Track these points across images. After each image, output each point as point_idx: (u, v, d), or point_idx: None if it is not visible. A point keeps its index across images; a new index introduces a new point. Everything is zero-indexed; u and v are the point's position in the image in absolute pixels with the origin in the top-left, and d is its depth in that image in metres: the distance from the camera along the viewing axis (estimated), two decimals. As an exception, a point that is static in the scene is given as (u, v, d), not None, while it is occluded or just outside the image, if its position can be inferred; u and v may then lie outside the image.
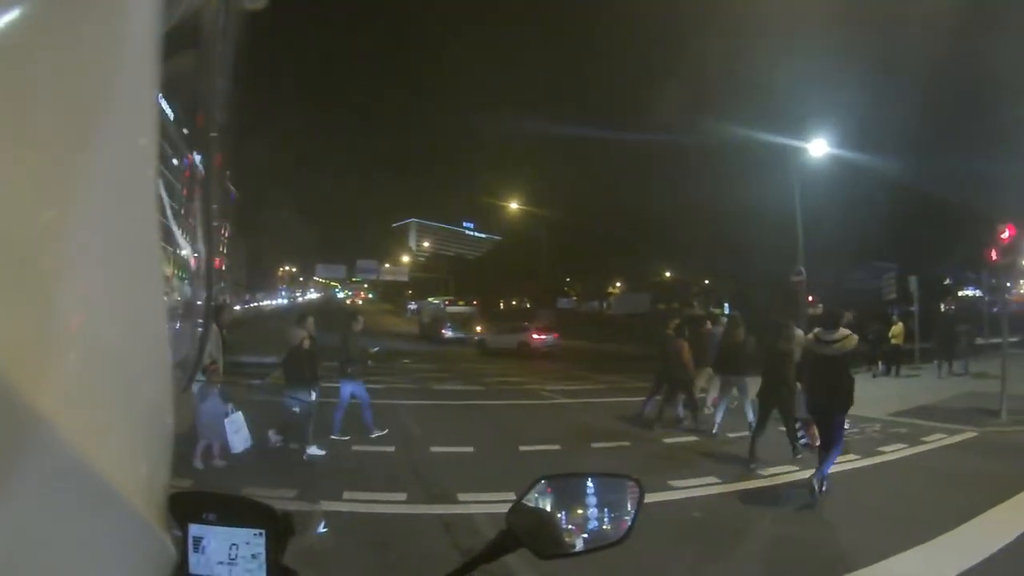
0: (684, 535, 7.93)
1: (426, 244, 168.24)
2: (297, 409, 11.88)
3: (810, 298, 28.39)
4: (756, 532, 8.22)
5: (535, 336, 42.44)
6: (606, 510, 1.82)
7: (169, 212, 1.39)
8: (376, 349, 17.33)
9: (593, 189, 78.24)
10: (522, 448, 12.28)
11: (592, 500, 1.84)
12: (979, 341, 27.56)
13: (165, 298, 1.02)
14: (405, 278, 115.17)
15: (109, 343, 0.83)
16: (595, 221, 72.97)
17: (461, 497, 8.96)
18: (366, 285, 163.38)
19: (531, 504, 1.80)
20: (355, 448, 12.21)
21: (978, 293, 47.58)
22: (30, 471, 0.66)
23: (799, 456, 11.41)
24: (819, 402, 10.20)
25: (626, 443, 13.03)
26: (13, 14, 0.68)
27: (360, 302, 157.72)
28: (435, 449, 12.13)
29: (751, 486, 10.17)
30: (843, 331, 10.11)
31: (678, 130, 59.92)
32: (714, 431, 14.10)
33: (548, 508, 1.80)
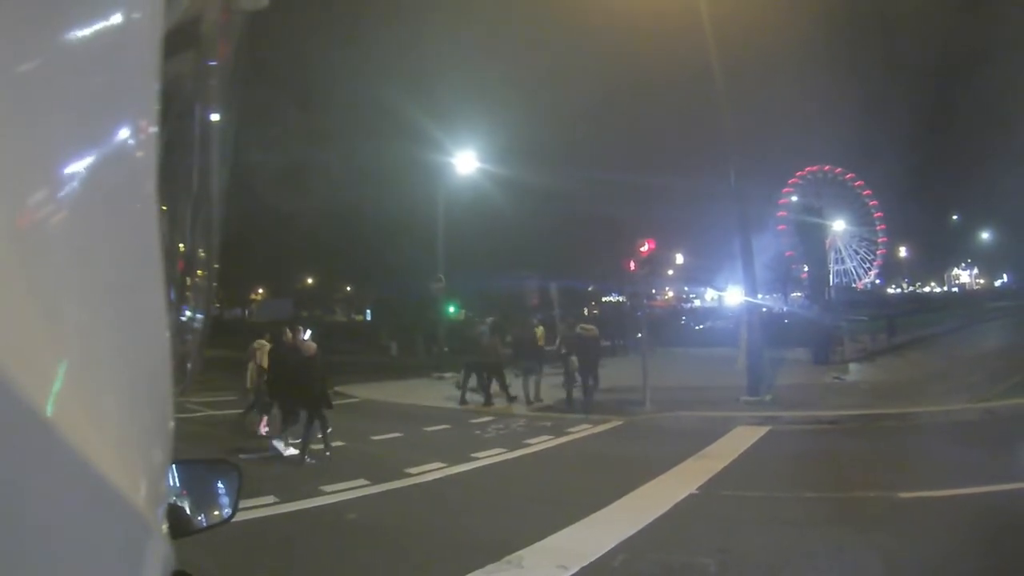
0: (342, 537, 7.94)
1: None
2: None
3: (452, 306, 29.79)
4: (414, 527, 8.32)
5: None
6: (217, 493, 2.06)
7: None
8: None
9: (236, 188, 75.75)
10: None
11: (202, 484, 2.05)
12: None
13: (165, 298, 1.01)
14: None
15: (109, 343, 0.83)
16: (240, 223, 70.76)
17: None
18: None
19: None
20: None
21: (621, 299, 51.43)
22: (29, 471, 0.66)
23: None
24: (587, 359, 17.48)
25: (266, 454, 12.78)
26: (11, 15, 0.68)
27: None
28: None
29: (401, 485, 10.31)
30: (591, 326, 18.61)
31: (320, 138, 59.64)
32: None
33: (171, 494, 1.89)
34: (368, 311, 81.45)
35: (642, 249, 18.19)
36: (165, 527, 1.01)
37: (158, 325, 0.98)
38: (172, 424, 1.06)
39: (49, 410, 0.67)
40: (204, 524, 1.98)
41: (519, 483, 10.66)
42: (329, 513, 8.79)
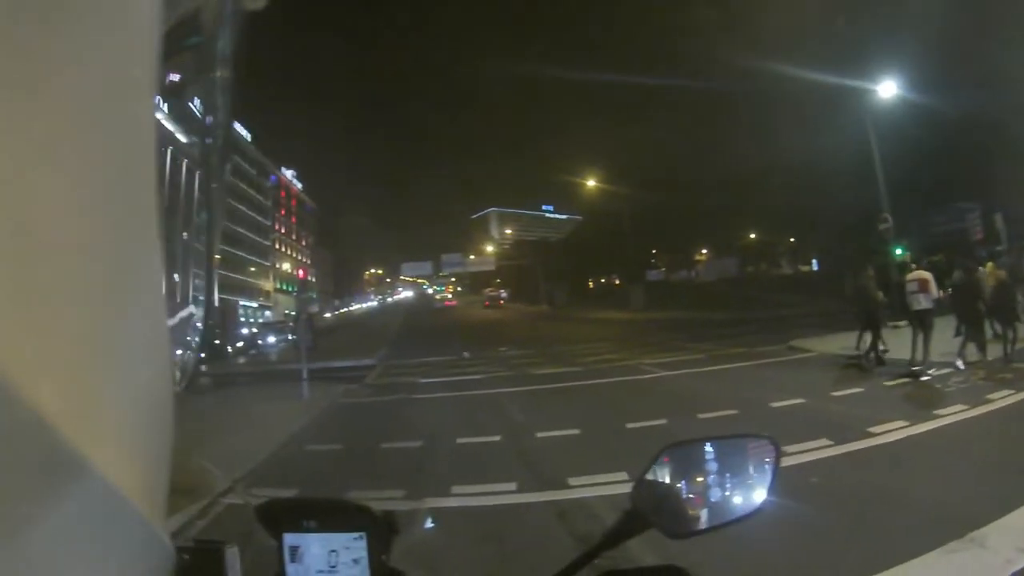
0: (803, 500, 7.34)
1: (508, 231, 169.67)
2: None
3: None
4: (874, 494, 7.75)
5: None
6: (739, 478, 1.62)
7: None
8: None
9: (667, 157, 77.38)
10: (629, 426, 12.09)
11: (723, 468, 1.63)
12: None
13: (165, 297, 0.99)
14: (492, 267, 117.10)
15: (109, 343, 0.83)
16: (674, 189, 72.27)
17: (572, 482, 8.78)
18: (453, 279, 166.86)
19: (657, 479, 1.61)
20: (459, 440, 12.22)
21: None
22: (29, 471, 0.68)
23: None
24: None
25: (734, 411, 12.65)
26: (11, 14, 0.69)
27: (450, 294, 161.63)
28: (541, 435, 12.06)
29: (863, 446, 9.77)
30: None
31: (736, 76, 59.02)
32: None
33: (675, 482, 1.61)
34: (815, 261, 79.62)
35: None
36: (165, 531, 0.95)
37: (157, 321, 0.96)
38: (172, 420, 0.98)
39: (46, 407, 0.67)
40: (714, 521, 1.58)
41: (981, 446, 9.49)
42: (790, 474, 8.37)
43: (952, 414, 11.19)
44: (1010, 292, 16.23)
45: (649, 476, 1.60)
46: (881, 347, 17.57)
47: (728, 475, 1.62)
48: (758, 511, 1.57)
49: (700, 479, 1.60)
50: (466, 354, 32.63)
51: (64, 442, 0.69)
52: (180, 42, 1.20)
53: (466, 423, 14.14)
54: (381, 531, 1.76)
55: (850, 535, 6.71)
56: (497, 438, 12.18)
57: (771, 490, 1.58)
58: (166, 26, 0.98)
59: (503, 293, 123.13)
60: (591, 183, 75.69)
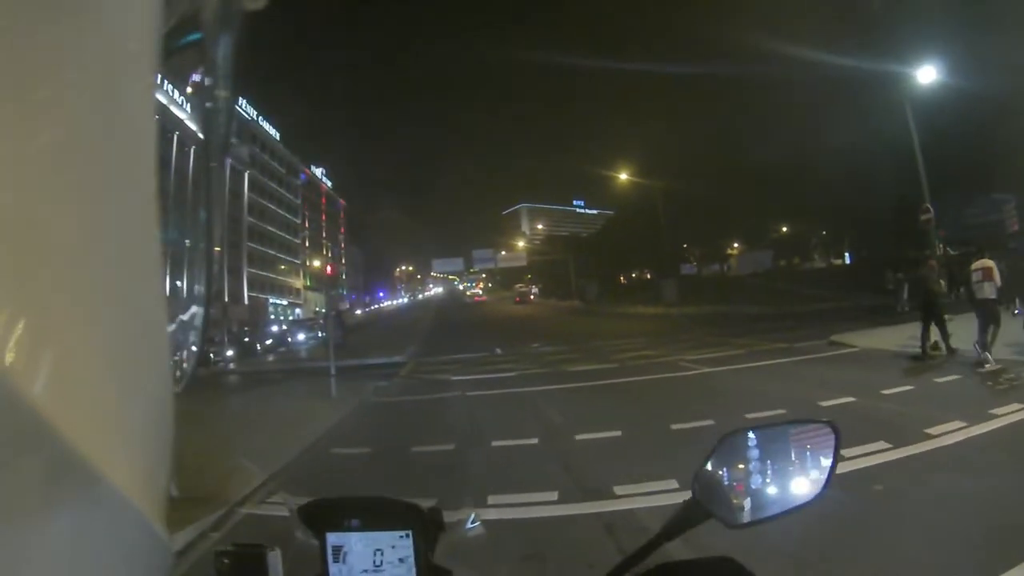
0: (868, 512, 6.99)
1: (539, 226, 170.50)
2: None
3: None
4: (941, 502, 7.23)
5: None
6: (798, 465, 1.60)
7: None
8: None
9: (700, 150, 77.31)
10: (674, 427, 11.63)
11: (782, 456, 1.60)
12: None
13: (165, 296, 0.97)
14: (523, 263, 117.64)
15: (109, 343, 0.83)
16: (707, 182, 72.02)
17: (618, 491, 8.26)
18: (483, 275, 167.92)
19: (715, 468, 1.59)
20: (494, 443, 11.78)
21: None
22: (29, 471, 0.69)
23: None
24: None
25: (782, 410, 12.07)
26: (12, 14, 0.70)
27: (480, 290, 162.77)
28: (580, 437, 11.60)
29: (923, 449, 9.19)
30: None
31: (771, 65, 58.75)
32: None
33: (726, 470, 1.59)
34: (847, 254, 79.25)
35: None
36: (165, 530, 0.92)
37: (157, 320, 0.97)
38: (171, 420, 0.95)
39: (46, 407, 0.69)
40: (774, 510, 1.54)
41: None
42: (851, 481, 7.80)
43: (1011, 413, 10.64)
44: None
45: (709, 465, 1.59)
46: (931, 340, 17.05)
47: (788, 463, 1.59)
48: (816, 499, 1.55)
49: (742, 466, 1.59)
50: (498, 350, 32.34)
51: (64, 443, 0.70)
52: (180, 42, 1.18)
53: (501, 424, 13.75)
54: (428, 529, 1.76)
55: (926, 549, 6.15)
56: (534, 441, 11.71)
57: (830, 478, 1.56)
58: (166, 27, 0.99)
59: (534, 289, 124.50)
60: (623, 176, 75.56)
